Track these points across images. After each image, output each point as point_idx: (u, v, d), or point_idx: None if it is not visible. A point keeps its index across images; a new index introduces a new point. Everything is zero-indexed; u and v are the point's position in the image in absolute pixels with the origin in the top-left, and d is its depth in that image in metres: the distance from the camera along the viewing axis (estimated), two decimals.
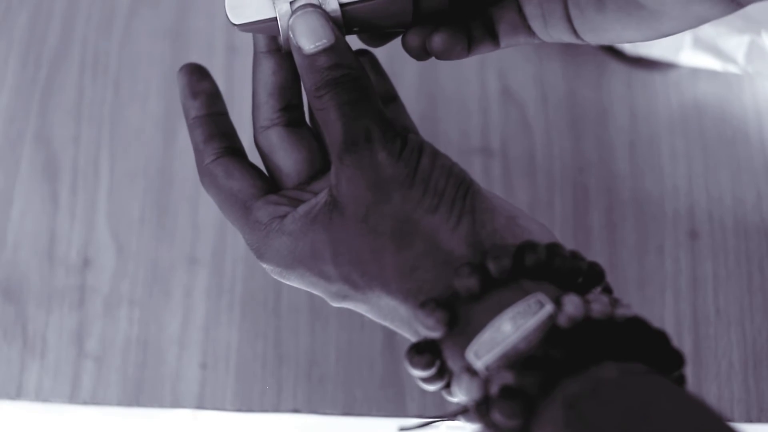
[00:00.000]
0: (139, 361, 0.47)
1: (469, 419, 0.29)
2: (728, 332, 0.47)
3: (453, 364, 0.30)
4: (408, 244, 0.31)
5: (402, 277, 0.31)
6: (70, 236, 0.50)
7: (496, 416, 0.27)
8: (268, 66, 0.36)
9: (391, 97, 0.39)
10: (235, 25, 0.34)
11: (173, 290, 0.49)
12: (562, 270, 0.30)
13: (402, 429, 0.31)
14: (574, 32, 0.34)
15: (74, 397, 0.46)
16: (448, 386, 0.32)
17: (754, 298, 0.48)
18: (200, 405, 0.46)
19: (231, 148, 0.37)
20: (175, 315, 0.48)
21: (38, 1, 0.56)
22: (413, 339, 0.32)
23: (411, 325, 0.32)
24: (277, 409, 0.46)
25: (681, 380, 0.29)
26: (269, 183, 0.36)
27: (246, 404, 0.46)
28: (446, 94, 0.56)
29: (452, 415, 0.29)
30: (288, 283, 0.35)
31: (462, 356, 0.29)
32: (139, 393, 0.47)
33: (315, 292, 0.34)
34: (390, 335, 0.48)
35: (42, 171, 0.52)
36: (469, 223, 0.32)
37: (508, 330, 0.28)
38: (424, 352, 0.31)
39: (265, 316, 0.48)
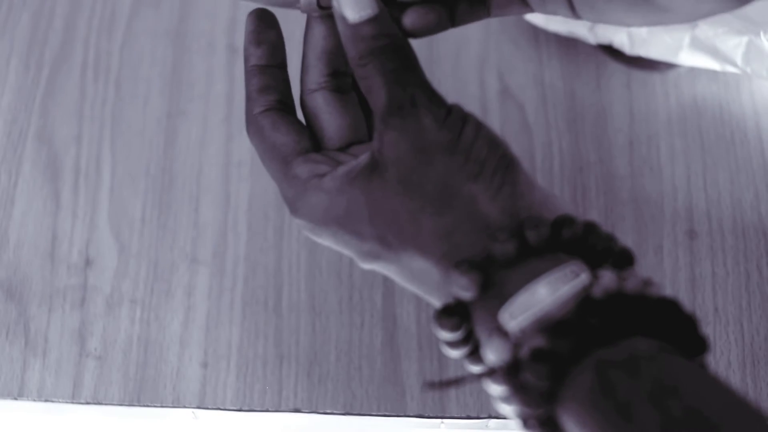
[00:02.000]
0: (141, 360, 0.47)
1: (496, 381, 0.29)
2: (726, 331, 0.48)
3: (482, 328, 0.30)
4: (447, 209, 0.32)
5: (438, 239, 0.32)
6: (72, 236, 0.50)
7: (527, 377, 0.27)
8: (319, 30, 0.36)
9: None
10: None
11: (174, 289, 0.49)
12: (596, 248, 0.30)
13: (426, 384, 0.31)
14: (572, 7, 0.34)
15: (76, 396, 0.47)
16: (471, 354, 0.32)
17: (753, 298, 0.48)
18: (201, 404, 0.47)
19: (282, 102, 0.37)
20: (176, 314, 0.48)
21: (40, 2, 0.56)
22: (439, 304, 0.32)
23: (440, 289, 0.32)
24: (277, 408, 0.46)
25: (702, 366, 0.29)
26: (312, 142, 0.36)
27: (247, 403, 0.47)
28: (446, 93, 0.57)
29: (478, 377, 0.30)
30: (318, 240, 0.35)
31: (492, 321, 0.30)
32: (141, 392, 0.47)
33: (345, 251, 0.35)
34: (390, 334, 0.48)
35: (44, 171, 0.52)
36: (508, 194, 0.32)
37: (544, 294, 0.28)
38: (454, 314, 0.31)
39: (266, 315, 0.48)
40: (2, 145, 0.52)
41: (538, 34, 0.55)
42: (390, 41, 0.34)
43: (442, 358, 0.47)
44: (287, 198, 0.35)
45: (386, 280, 0.49)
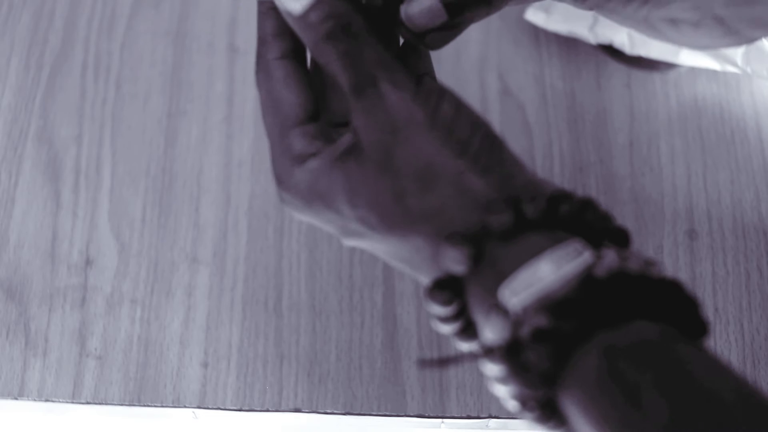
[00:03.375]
0: (141, 360, 0.47)
1: (494, 360, 0.28)
2: (727, 331, 0.48)
3: (477, 305, 0.30)
4: (433, 187, 0.31)
5: (427, 219, 0.31)
6: (72, 235, 0.50)
7: (527, 357, 0.26)
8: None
9: (414, 46, 0.38)
10: None
11: (175, 289, 0.49)
12: (593, 225, 0.30)
13: (422, 360, 0.30)
14: None
15: (76, 396, 0.47)
16: (463, 331, 0.31)
17: (753, 298, 0.48)
18: (201, 404, 0.47)
19: (296, 50, 0.35)
20: (176, 314, 0.48)
21: (40, 2, 0.56)
22: (429, 280, 0.31)
23: (431, 266, 0.31)
24: (278, 408, 0.46)
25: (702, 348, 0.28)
26: (317, 105, 0.35)
27: (247, 403, 0.47)
28: None
29: (475, 356, 0.29)
30: (301, 217, 0.34)
31: (489, 297, 0.29)
32: (141, 392, 0.47)
33: (329, 229, 0.34)
34: (390, 334, 0.48)
35: (44, 170, 0.52)
36: (497, 173, 0.31)
37: (547, 271, 0.27)
38: (446, 288, 0.30)
39: (266, 315, 0.48)
40: (2, 145, 0.52)
41: (538, 34, 0.55)
42: (338, 21, 0.33)
43: (442, 358, 0.47)
44: (274, 169, 0.34)
45: (386, 280, 0.49)
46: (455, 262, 0.30)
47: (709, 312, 0.48)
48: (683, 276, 0.49)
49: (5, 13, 0.56)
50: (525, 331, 0.27)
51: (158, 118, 0.53)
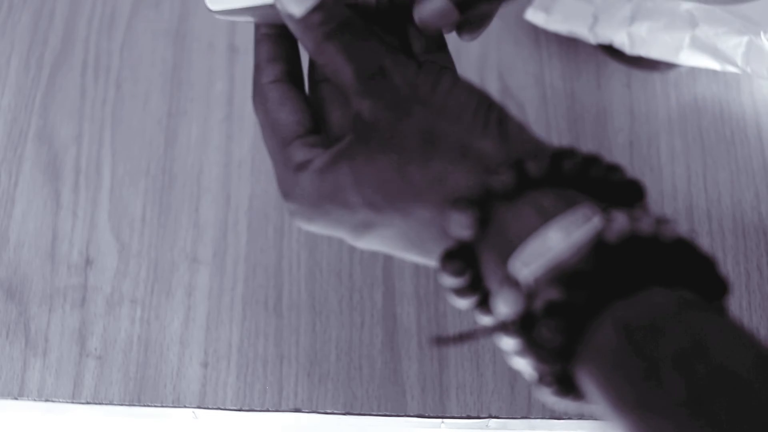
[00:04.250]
0: (141, 360, 0.47)
1: (509, 335, 0.27)
2: None
3: (491, 275, 0.29)
4: (434, 153, 0.31)
5: (432, 186, 0.30)
6: (72, 235, 0.50)
7: (541, 332, 0.26)
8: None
9: (438, 46, 0.38)
10: (212, 11, 0.35)
11: (175, 289, 0.49)
12: (600, 181, 0.29)
13: (438, 338, 0.29)
14: None
15: (76, 395, 0.47)
16: (481, 304, 0.30)
17: (753, 297, 0.48)
18: (201, 404, 0.47)
19: (291, 73, 0.36)
20: (176, 314, 0.48)
21: (40, 2, 0.56)
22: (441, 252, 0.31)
23: (442, 242, 0.31)
24: (278, 408, 0.46)
25: (722, 309, 0.28)
26: (315, 122, 0.35)
27: (247, 403, 0.47)
28: None
29: (491, 331, 0.28)
30: (311, 227, 0.34)
31: (501, 268, 0.28)
32: (141, 392, 0.47)
33: (339, 232, 0.34)
34: (390, 334, 0.48)
35: (44, 170, 0.52)
36: (497, 131, 0.31)
37: (557, 240, 0.27)
38: (456, 257, 0.29)
39: (266, 315, 0.48)
40: (2, 145, 0.52)
41: (538, 34, 0.55)
42: (340, 20, 0.33)
43: (442, 358, 0.47)
44: (279, 182, 0.34)
45: (386, 280, 0.49)
46: (462, 227, 0.29)
47: None
48: None
49: (5, 13, 0.56)
50: (538, 304, 0.26)
51: (158, 118, 0.53)
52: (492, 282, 0.29)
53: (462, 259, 0.30)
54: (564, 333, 0.26)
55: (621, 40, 0.50)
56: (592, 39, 0.52)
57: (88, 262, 0.49)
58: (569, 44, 0.55)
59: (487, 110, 0.31)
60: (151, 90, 0.54)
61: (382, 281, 0.49)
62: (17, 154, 0.52)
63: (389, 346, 0.47)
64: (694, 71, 0.54)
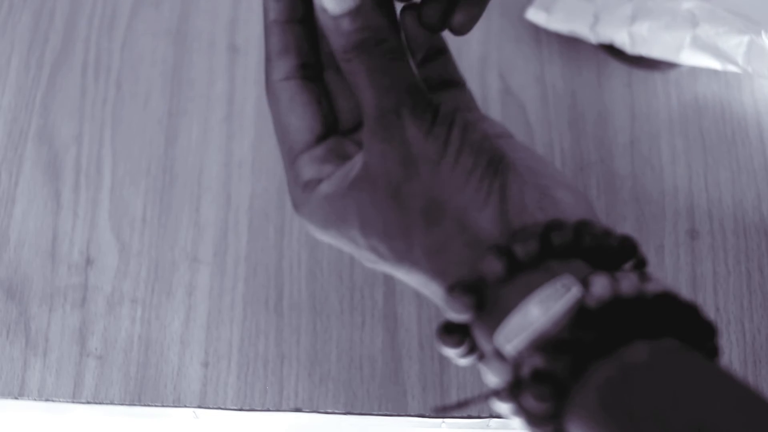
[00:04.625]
0: (142, 360, 0.47)
1: (502, 400, 0.28)
2: (728, 331, 0.48)
3: (483, 344, 0.30)
4: (436, 223, 0.31)
5: (430, 256, 0.31)
6: (73, 235, 0.50)
7: (528, 400, 0.27)
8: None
9: (438, 50, 0.38)
10: None
11: (175, 289, 0.49)
12: (592, 248, 0.30)
13: (437, 408, 0.31)
14: None
15: (77, 395, 0.47)
16: (481, 359, 0.31)
17: (754, 297, 0.48)
18: (202, 404, 0.47)
19: (304, 66, 0.34)
20: (177, 314, 0.48)
21: (41, 1, 0.56)
22: (442, 309, 0.32)
23: (440, 298, 0.32)
24: (278, 407, 0.46)
25: (713, 351, 0.28)
26: (327, 122, 0.34)
27: (248, 403, 0.47)
28: None
29: (485, 397, 0.29)
30: (322, 240, 0.35)
31: (491, 338, 0.29)
32: (141, 391, 0.47)
33: (349, 252, 0.34)
34: (391, 333, 0.48)
35: (44, 170, 0.52)
36: (498, 201, 0.31)
37: (536, 314, 0.28)
38: (454, 332, 0.31)
39: (267, 315, 0.48)
40: (3, 145, 0.52)
41: (539, 33, 0.55)
42: (373, 34, 0.32)
43: (443, 358, 0.47)
44: (290, 194, 0.35)
45: (387, 279, 0.49)
46: (459, 312, 0.30)
47: (710, 312, 0.48)
48: (684, 276, 0.49)
49: (5, 12, 0.56)
50: (525, 372, 0.28)
51: (159, 118, 0.53)
52: (485, 348, 0.30)
53: (459, 332, 0.31)
54: (550, 399, 0.27)
55: (622, 39, 0.50)
56: (592, 38, 0.52)
57: (89, 261, 0.49)
58: (570, 44, 0.55)
59: (492, 177, 0.31)
60: (151, 90, 0.54)
61: (383, 281, 0.49)
62: (17, 154, 0.52)
63: (390, 346, 0.47)
64: (695, 71, 0.54)
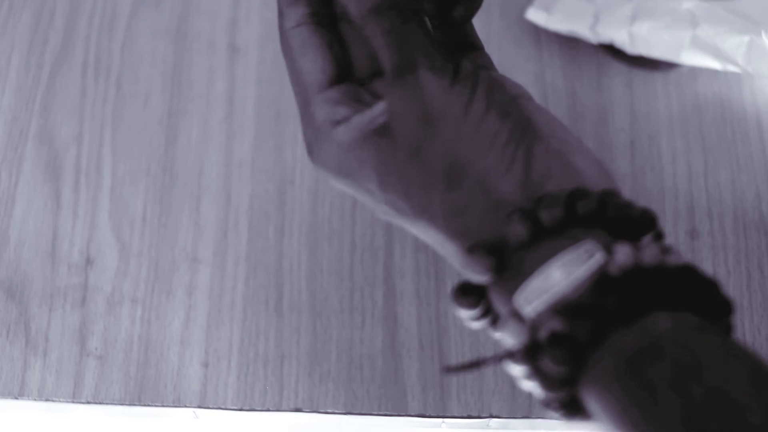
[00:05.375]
0: (142, 360, 0.47)
1: (516, 362, 0.28)
2: None
3: (500, 306, 0.30)
4: (457, 184, 0.31)
5: (450, 216, 0.31)
6: (73, 235, 0.50)
7: (545, 362, 0.27)
8: None
9: (470, 45, 0.37)
10: None
11: (175, 289, 0.49)
12: (615, 218, 0.30)
13: (448, 367, 0.30)
14: None
15: (77, 395, 0.47)
16: (493, 324, 0.31)
17: (754, 297, 0.48)
18: (202, 403, 0.47)
19: (315, 14, 0.34)
20: (177, 313, 0.48)
21: (41, 1, 0.56)
22: (460, 269, 0.32)
23: (458, 260, 0.31)
24: (278, 407, 0.46)
25: (728, 329, 0.28)
26: (341, 66, 0.34)
27: (248, 403, 0.47)
28: None
29: (499, 359, 0.29)
30: (338, 186, 0.34)
31: (509, 300, 0.29)
32: (141, 391, 0.47)
33: (364, 202, 0.34)
34: (391, 333, 0.48)
35: (44, 170, 0.52)
36: (522, 167, 0.31)
37: (558, 277, 0.28)
38: (470, 293, 0.31)
39: (267, 315, 0.48)
40: (3, 145, 0.52)
41: (539, 33, 0.55)
42: None
43: (443, 358, 0.47)
44: (305, 137, 0.34)
45: (387, 279, 0.49)
46: (479, 273, 0.30)
47: None
48: None
49: (5, 12, 0.56)
50: (542, 335, 0.27)
51: (159, 118, 0.53)
52: (500, 311, 0.30)
53: (475, 294, 0.31)
54: (567, 363, 0.27)
55: (622, 39, 0.50)
56: (593, 38, 0.52)
57: (89, 261, 0.49)
58: (570, 44, 0.55)
59: (518, 142, 0.31)
60: (151, 89, 0.54)
61: (383, 281, 0.49)
62: (18, 154, 0.52)
63: (390, 346, 0.47)
64: (695, 71, 0.54)
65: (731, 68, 0.48)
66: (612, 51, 0.53)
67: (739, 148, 0.52)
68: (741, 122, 0.53)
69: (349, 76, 0.34)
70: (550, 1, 0.53)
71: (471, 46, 0.37)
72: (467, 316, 0.31)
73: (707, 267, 0.49)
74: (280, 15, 0.35)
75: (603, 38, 0.51)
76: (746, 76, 0.53)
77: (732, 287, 0.48)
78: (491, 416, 0.46)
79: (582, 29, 0.52)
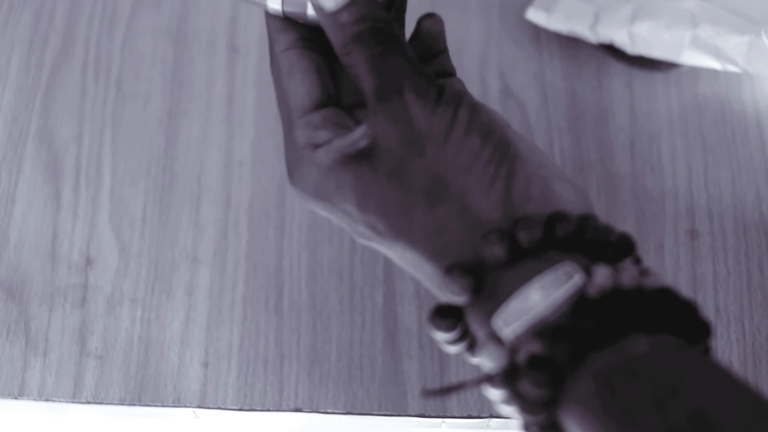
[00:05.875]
0: (142, 360, 0.47)
1: (495, 386, 0.28)
2: (728, 331, 0.48)
3: (477, 329, 0.30)
4: (438, 203, 0.31)
5: (429, 236, 0.31)
6: (73, 235, 0.50)
7: (525, 385, 0.27)
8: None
9: (441, 49, 0.38)
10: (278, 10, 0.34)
11: (175, 289, 0.49)
12: (593, 242, 0.30)
13: (426, 391, 0.30)
14: None
15: (77, 395, 0.47)
16: (470, 348, 0.31)
17: (754, 297, 0.48)
18: (202, 403, 0.47)
19: (305, 39, 0.35)
20: (177, 314, 0.48)
21: (41, 1, 0.56)
22: (438, 293, 0.31)
23: (435, 282, 0.31)
24: (278, 407, 0.46)
25: (706, 351, 0.28)
26: (328, 91, 0.35)
27: (248, 403, 0.47)
28: None
29: (477, 383, 0.29)
30: (316, 210, 0.34)
31: (486, 323, 0.29)
32: (141, 391, 0.47)
33: (343, 226, 0.34)
34: (391, 333, 0.48)
35: (44, 170, 0.52)
36: (503, 187, 0.31)
37: (537, 299, 0.28)
38: (447, 315, 0.30)
39: (267, 314, 0.48)
40: (3, 145, 0.52)
41: (539, 33, 0.55)
42: (371, 24, 0.33)
43: (443, 358, 0.47)
44: (286, 161, 0.34)
45: (387, 279, 0.49)
46: (455, 294, 0.30)
47: (710, 311, 0.48)
48: (684, 275, 0.49)
49: (5, 12, 0.56)
50: (521, 357, 0.27)
51: (159, 118, 0.53)
52: (478, 334, 0.30)
53: (453, 316, 0.30)
54: (546, 386, 0.26)
55: (622, 39, 0.50)
56: (593, 38, 0.52)
57: (89, 261, 0.49)
58: (570, 44, 0.55)
59: (499, 161, 0.31)
60: (151, 90, 0.54)
61: (383, 281, 0.49)
62: (17, 154, 0.52)
63: (390, 346, 0.47)
64: (695, 71, 0.54)
65: (731, 68, 0.48)
66: (612, 51, 0.53)
67: (739, 148, 0.52)
68: (741, 122, 0.53)
69: (338, 101, 0.35)
70: (550, 1, 0.53)
71: (448, 73, 0.37)
72: (444, 340, 0.31)
73: (707, 267, 0.49)
74: (270, 41, 0.35)
75: (603, 38, 0.51)
76: (746, 76, 0.53)
77: (732, 287, 0.48)
78: (491, 416, 0.46)
79: (582, 29, 0.52)
